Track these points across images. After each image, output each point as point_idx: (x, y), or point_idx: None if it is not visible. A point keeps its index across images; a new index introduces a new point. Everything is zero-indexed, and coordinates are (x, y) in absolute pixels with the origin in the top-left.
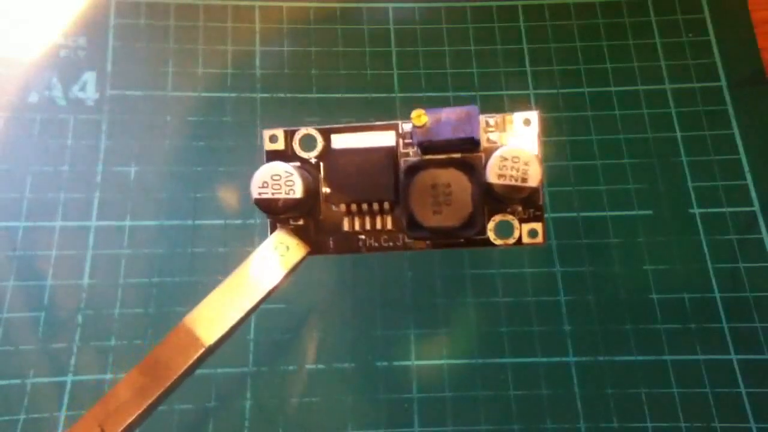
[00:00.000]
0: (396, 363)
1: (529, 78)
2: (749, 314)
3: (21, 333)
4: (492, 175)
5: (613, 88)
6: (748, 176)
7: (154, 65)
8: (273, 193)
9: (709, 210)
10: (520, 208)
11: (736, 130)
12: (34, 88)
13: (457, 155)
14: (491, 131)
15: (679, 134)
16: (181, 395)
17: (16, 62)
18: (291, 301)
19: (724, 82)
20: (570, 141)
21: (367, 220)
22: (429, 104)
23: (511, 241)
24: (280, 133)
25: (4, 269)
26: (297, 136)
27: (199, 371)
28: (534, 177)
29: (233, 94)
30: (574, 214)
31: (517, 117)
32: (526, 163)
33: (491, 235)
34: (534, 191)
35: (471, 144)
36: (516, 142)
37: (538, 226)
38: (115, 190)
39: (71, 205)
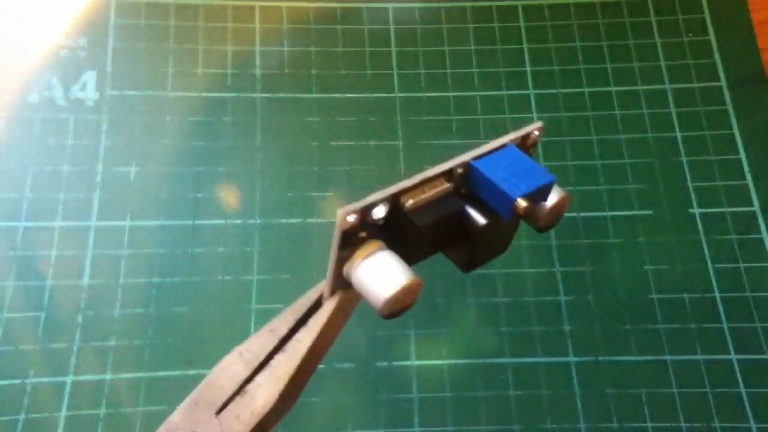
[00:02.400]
0: (396, 363)
1: (529, 78)
2: (749, 314)
3: (21, 333)
4: (542, 223)
5: (613, 88)
6: (748, 176)
7: (154, 65)
8: (402, 306)
9: (709, 210)
10: None
11: (736, 130)
12: (34, 88)
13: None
14: None
15: (679, 134)
16: (181, 395)
17: (16, 62)
18: (291, 300)
19: (724, 82)
20: (570, 141)
21: None
22: (429, 104)
23: None
24: (356, 211)
25: (4, 269)
26: (372, 210)
27: (198, 371)
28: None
29: (233, 94)
30: (574, 214)
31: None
32: (561, 204)
33: None
34: None
35: None
36: None
37: None
38: (115, 190)
39: (71, 205)
